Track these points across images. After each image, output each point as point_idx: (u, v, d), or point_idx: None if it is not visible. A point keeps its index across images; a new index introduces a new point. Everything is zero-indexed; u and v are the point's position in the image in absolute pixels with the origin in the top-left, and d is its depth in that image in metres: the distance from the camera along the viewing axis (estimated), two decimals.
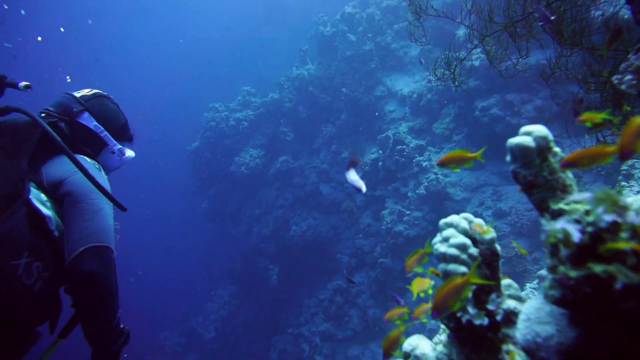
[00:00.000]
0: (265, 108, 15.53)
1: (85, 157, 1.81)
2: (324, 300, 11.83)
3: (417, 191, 10.25)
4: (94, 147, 1.96)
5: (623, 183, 5.73)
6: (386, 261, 10.52)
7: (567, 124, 8.30)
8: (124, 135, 2.11)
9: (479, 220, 1.39)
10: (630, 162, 6.34)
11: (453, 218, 1.41)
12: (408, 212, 10.41)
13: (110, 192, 1.73)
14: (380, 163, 11.73)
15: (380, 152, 11.85)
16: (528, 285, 5.95)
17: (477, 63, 10.00)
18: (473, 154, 1.87)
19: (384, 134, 11.65)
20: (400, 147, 11.07)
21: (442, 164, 1.90)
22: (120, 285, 1.76)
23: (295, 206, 14.18)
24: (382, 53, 13.31)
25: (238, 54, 33.20)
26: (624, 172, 6.29)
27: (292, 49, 22.71)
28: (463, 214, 1.41)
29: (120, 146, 2.05)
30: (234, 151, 15.84)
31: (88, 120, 1.91)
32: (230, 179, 15.85)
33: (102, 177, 1.79)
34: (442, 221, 1.43)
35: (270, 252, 14.81)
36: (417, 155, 10.88)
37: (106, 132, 1.97)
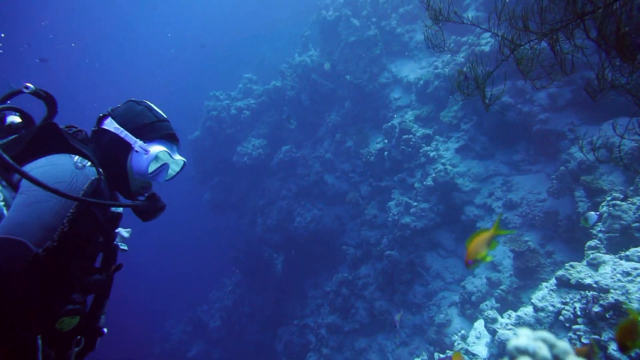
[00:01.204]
0: (268, 96, 15.17)
1: (72, 156, 1.68)
2: (330, 293, 11.69)
3: (424, 182, 9.98)
4: (121, 150, 1.89)
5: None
6: (393, 253, 10.33)
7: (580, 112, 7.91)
8: (149, 133, 1.93)
9: (562, 345, 0.89)
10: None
11: (525, 340, 0.92)
12: (415, 204, 10.16)
13: (68, 189, 1.51)
14: (385, 153, 11.44)
15: (386, 141, 11.54)
16: (545, 285, 5.75)
17: (487, 48, 9.60)
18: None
19: (390, 123, 11.32)
20: (406, 136, 10.76)
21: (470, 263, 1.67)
22: (125, 275, 1.61)
23: (299, 197, 13.96)
24: (387, 38, 12.88)
25: (237, 38, 32.54)
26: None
27: (293, 31, 22.20)
28: (538, 333, 0.94)
29: (142, 142, 1.89)
30: (236, 141, 15.55)
31: (109, 125, 1.89)
32: (233, 169, 15.60)
33: (62, 172, 1.58)
34: (512, 345, 0.92)
35: (274, 243, 14.66)
36: (423, 145, 10.58)
37: (126, 132, 1.88)
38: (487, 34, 9.93)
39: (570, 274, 5.02)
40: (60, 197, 1.47)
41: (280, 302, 14.98)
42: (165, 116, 2.06)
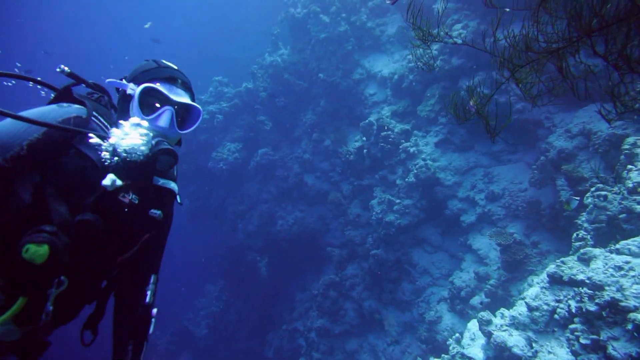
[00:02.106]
0: (240, 99, 14.77)
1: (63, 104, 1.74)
2: (318, 296, 11.52)
3: (406, 179, 9.88)
4: (123, 99, 1.87)
5: (625, 166, 5.45)
6: (379, 252, 10.22)
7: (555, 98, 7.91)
8: (145, 77, 1.87)
9: None
10: (632, 140, 6.06)
11: None
12: (398, 201, 10.06)
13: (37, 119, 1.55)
14: (365, 151, 11.29)
15: (364, 139, 11.38)
16: (536, 282, 5.70)
17: (460, 41, 9.51)
18: None
19: (367, 120, 11.16)
20: (384, 133, 10.62)
21: None
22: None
23: (279, 199, 13.69)
24: (358, 33, 12.67)
25: (201, 36, 31.62)
26: (626, 151, 6.01)
27: (262, 29, 21.69)
28: None
29: (133, 85, 1.82)
30: (211, 146, 15.12)
31: (116, 83, 1.87)
32: (209, 175, 15.18)
33: (42, 108, 1.68)
34: None
35: (257, 248, 14.37)
36: (403, 140, 10.47)
37: (120, 82, 1.86)
38: (459, 25, 9.85)
39: (562, 271, 4.97)
40: (24, 125, 1.54)
41: (267, 307, 14.74)
42: (175, 67, 1.99)
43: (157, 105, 1.83)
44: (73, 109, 1.69)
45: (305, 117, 13.32)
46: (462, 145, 9.94)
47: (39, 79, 1.88)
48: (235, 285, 16.64)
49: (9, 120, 1.55)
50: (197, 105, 1.96)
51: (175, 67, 1.99)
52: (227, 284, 17.35)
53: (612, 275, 4.38)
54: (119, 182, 1.64)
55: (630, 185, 5.11)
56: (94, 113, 1.75)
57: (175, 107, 1.87)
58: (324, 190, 12.87)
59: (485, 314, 5.69)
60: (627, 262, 4.37)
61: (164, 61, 1.99)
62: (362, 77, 12.43)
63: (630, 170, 5.33)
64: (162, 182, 1.92)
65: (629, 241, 4.60)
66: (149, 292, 1.85)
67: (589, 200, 5.65)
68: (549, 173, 7.74)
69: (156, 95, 1.82)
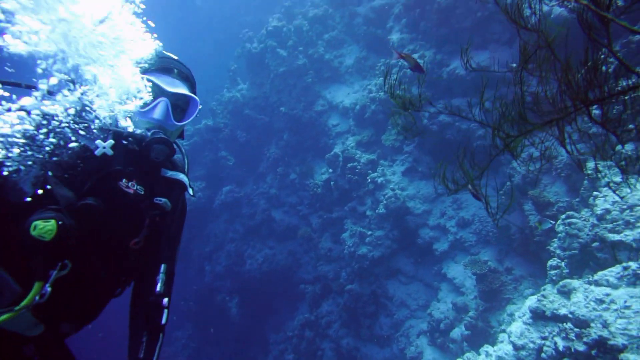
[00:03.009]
0: (200, 137, 14.37)
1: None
2: (293, 337, 11.01)
3: (377, 210, 9.73)
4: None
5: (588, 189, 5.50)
6: (354, 287, 9.92)
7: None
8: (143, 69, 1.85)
9: None
10: (593, 165, 6.16)
11: None
12: (370, 233, 9.87)
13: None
14: (332, 183, 11.10)
15: (331, 171, 11.22)
16: (516, 314, 5.56)
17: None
18: None
19: (332, 152, 11.03)
20: (351, 164, 10.50)
21: None
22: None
23: (247, 237, 13.20)
24: (317, 66, 12.68)
25: None
26: (589, 176, 6.10)
27: (218, 62, 21.51)
28: None
29: None
30: None
31: None
32: None
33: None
34: None
35: (226, 289, 13.71)
36: (370, 171, 10.37)
37: None
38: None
39: (544, 305, 4.86)
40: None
41: (240, 352, 13.97)
42: (175, 57, 1.99)
43: (152, 96, 1.82)
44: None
45: (269, 151, 13.07)
46: (428, 172, 9.94)
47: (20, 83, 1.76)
48: (204, 330, 15.74)
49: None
50: (193, 95, 1.94)
51: (175, 57, 1.99)
52: (196, 330, 16.40)
53: (594, 309, 4.29)
54: (109, 151, 1.63)
55: (599, 212, 5.12)
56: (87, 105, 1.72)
57: (171, 98, 1.85)
58: (293, 225, 12.53)
59: (470, 356, 5.48)
60: (608, 295, 4.30)
61: (163, 52, 1.96)
62: (324, 108, 12.38)
63: (596, 196, 5.36)
64: (170, 173, 1.93)
65: (606, 272, 4.55)
66: (159, 281, 1.81)
67: (561, 228, 5.64)
68: (516, 198, 7.78)
69: (150, 86, 1.81)
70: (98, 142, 1.64)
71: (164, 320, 1.83)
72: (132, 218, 1.78)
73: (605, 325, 4.02)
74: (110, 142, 1.67)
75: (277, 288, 12.87)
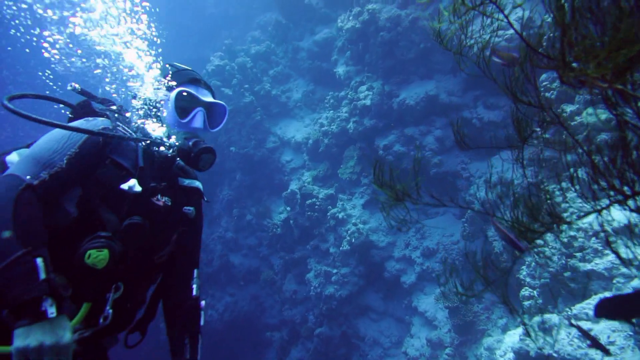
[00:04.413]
0: None
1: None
2: None
3: (340, 247, 9.42)
4: (154, 108, 1.96)
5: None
6: (323, 330, 9.46)
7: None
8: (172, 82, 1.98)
9: None
10: (550, 189, 6.21)
11: None
12: (335, 271, 9.51)
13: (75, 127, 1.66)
14: (291, 221, 10.71)
15: (289, 209, 10.84)
16: (491, 344, 5.38)
17: (368, 102, 9.61)
18: None
19: (289, 190, 10.68)
20: (310, 201, 10.18)
21: None
22: None
23: (205, 286, 12.37)
24: (265, 102, 12.42)
25: None
26: (548, 200, 6.14)
27: None
28: None
29: (165, 91, 1.96)
30: None
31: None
32: None
33: (80, 124, 1.71)
34: None
35: None
36: (329, 206, 10.10)
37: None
38: (364, 87, 9.98)
39: (528, 345, 4.70)
40: (60, 141, 1.61)
41: None
42: (190, 68, 2.07)
43: (188, 107, 1.91)
44: (99, 122, 1.75)
45: (221, 193, 12.50)
46: (388, 202, 9.82)
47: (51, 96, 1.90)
48: None
49: (46, 137, 1.64)
50: (223, 103, 2.04)
51: (191, 69, 2.06)
52: None
53: (579, 347, 4.17)
54: (137, 188, 1.68)
55: (565, 240, 5.10)
56: (118, 123, 1.80)
57: (206, 107, 1.96)
58: (254, 268, 11.94)
59: None
60: (590, 330, 4.20)
61: (177, 64, 2.07)
62: (275, 145, 12.07)
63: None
64: (187, 182, 1.99)
65: (584, 304, 4.47)
66: (194, 286, 1.92)
67: (529, 258, 5.58)
68: (478, 225, 7.78)
69: (186, 98, 1.91)
70: (130, 181, 1.68)
71: (202, 322, 1.94)
72: (160, 233, 1.83)
73: None
74: (136, 184, 1.69)
75: (242, 337, 12.10)
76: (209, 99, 1.97)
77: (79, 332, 1.52)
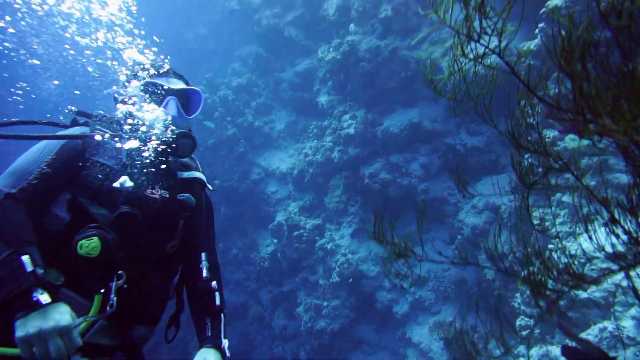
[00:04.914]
0: None
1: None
2: None
3: (330, 279, 9.22)
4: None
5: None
6: None
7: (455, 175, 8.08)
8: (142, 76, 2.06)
9: None
10: (538, 215, 6.24)
11: None
12: (326, 304, 9.27)
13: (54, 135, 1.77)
14: (279, 254, 10.49)
15: (276, 241, 10.63)
16: None
17: (352, 131, 9.63)
18: None
19: (276, 222, 10.50)
20: (297, 232, 10.02)
21: None
22: None
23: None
24: (248, 134, 12.36)
25: None
26: (537, 226, 6.15)
27: None
28: None
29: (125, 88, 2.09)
30: None
31: (113, 92, 2.17)
32: None
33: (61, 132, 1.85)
34: None
35: None
36: (317, 237, 9.94)
37: (116, 90, 2.09)
38: (347, 116, 10.03)
39: None
40: (37, 152, 1.70)
41: None
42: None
43: (159, 98, 1.97)
44: (76, 129, 1.84)
45: None
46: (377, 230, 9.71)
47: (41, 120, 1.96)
48: None
49: (26, 152, 1.71)
50: (196, 88, 2.08)
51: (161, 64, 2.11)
52: None
53: None
54: (129, 184, 1.73)
55: (561, 267, 5.04)
56: (97, 127, 1.85)
57: (176, 94, 2.00)
58: (241, 303, 11.56)
59: None
60: None
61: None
62: (260, 176, 11.94)
63: (552, 250, 5.33)
64: (186, 174, 2.04)
65: (583, 335, 4.38)
66: (203, 269, 1.94)
67: (524, 287, 5.51)
68: (469, 251, 7.72)
69: (156, 88, 1.95)
70: (122, 178, 1.74)
71: (217, 302, 1.93)
72: (165, 223, 1.88)
73: None
74: (127, 179, 1.74)
75: None
76: (179, 85, 2.02)
77: (84, 317, 1.53)
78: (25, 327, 1.32)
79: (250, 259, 11.39)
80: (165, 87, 1.97)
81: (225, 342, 1.87)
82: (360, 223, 9.85)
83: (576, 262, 1.60)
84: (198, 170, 2.16)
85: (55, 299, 1.40)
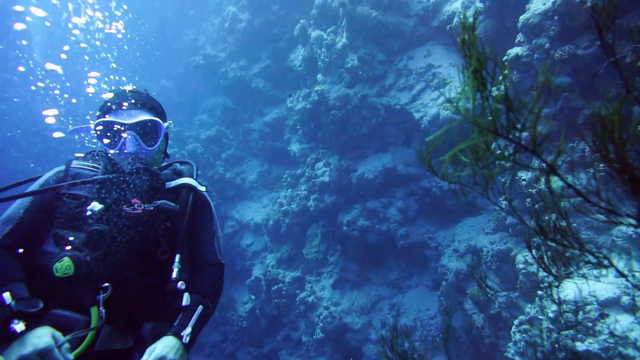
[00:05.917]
0: None
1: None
2: None
3: (314, 336, 8.76)
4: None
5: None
6: None
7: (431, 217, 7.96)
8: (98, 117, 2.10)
9: None
10: (522, 258, 6.17)
11: None
12: None
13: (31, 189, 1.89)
14: (258, 311, 9.97)
15: (254, 297, 10.13)
16: None
17: (327, 179, 9.52)
18: None
19: (253, 277, 10.06)
20: (276, 286, 9.59)
21: None
22: None
23: None
24: (219, 186, 12.06)
25: None
26: (522, 271, 6.07)
27: None
28: None
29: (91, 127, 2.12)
30: None
31: (77, 130, 2.23)
32: None
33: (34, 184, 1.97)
34: None
35: None
36: (297, 290, 9.54)
37: (82, 127, 2.16)
38: (321, 164, 9.94)
39: None
40: (19, 201, 1.86)
41: None
42: (128, 89, 2.14)
43: (113, 136, 1.99)
44: (52, 171, 1.98)
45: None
46: (358, 280, 9.43)
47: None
48: None
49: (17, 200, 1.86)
50: (153, 118, 2.05)
51: (127, 90, 2.10)
52: None
53: None
54: (98, 207, 1.83)
55: (551, 315, 4.94)
56: (74, 162, 1.99)
57: (135, 128, 1.99)
58: None
59: None
60: None
61: (120, 87, 2.14)
62: (234, 229, 11.55)
63: (541, 297, 5.23)
64: (173, 183, 2.11)
65: None
66: (175, 269, 1.93)
67: (517, 336, 5.35)
68: (455, 298, 7.54)
69: (110, 126, 1.98)
70: (92, 204, 1.83)
71: (184, 303, 1.90)
72: (145, 233, 1.93)
73: None
74: (97, 204, 1.84)
75: None
76: (134, 119, 1.99)
77: (72, 334, 1.61)
78: (9, 356, 1.46)
79: (227, 319, 10.77)
80: (120, 123, 1.98)
81: (187, 330, 1.80)
82: (341, 272, 9.55)
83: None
84: (190, 176, 2.20)
85: (32, 325, 1.52)
